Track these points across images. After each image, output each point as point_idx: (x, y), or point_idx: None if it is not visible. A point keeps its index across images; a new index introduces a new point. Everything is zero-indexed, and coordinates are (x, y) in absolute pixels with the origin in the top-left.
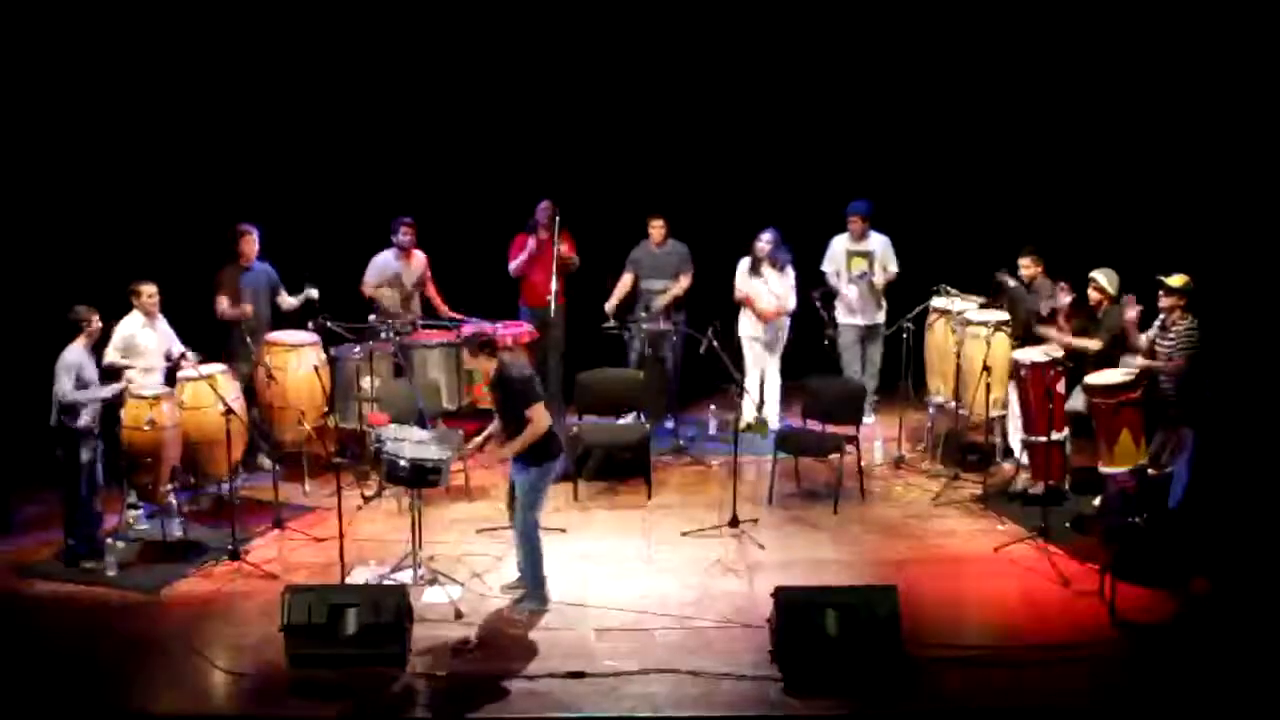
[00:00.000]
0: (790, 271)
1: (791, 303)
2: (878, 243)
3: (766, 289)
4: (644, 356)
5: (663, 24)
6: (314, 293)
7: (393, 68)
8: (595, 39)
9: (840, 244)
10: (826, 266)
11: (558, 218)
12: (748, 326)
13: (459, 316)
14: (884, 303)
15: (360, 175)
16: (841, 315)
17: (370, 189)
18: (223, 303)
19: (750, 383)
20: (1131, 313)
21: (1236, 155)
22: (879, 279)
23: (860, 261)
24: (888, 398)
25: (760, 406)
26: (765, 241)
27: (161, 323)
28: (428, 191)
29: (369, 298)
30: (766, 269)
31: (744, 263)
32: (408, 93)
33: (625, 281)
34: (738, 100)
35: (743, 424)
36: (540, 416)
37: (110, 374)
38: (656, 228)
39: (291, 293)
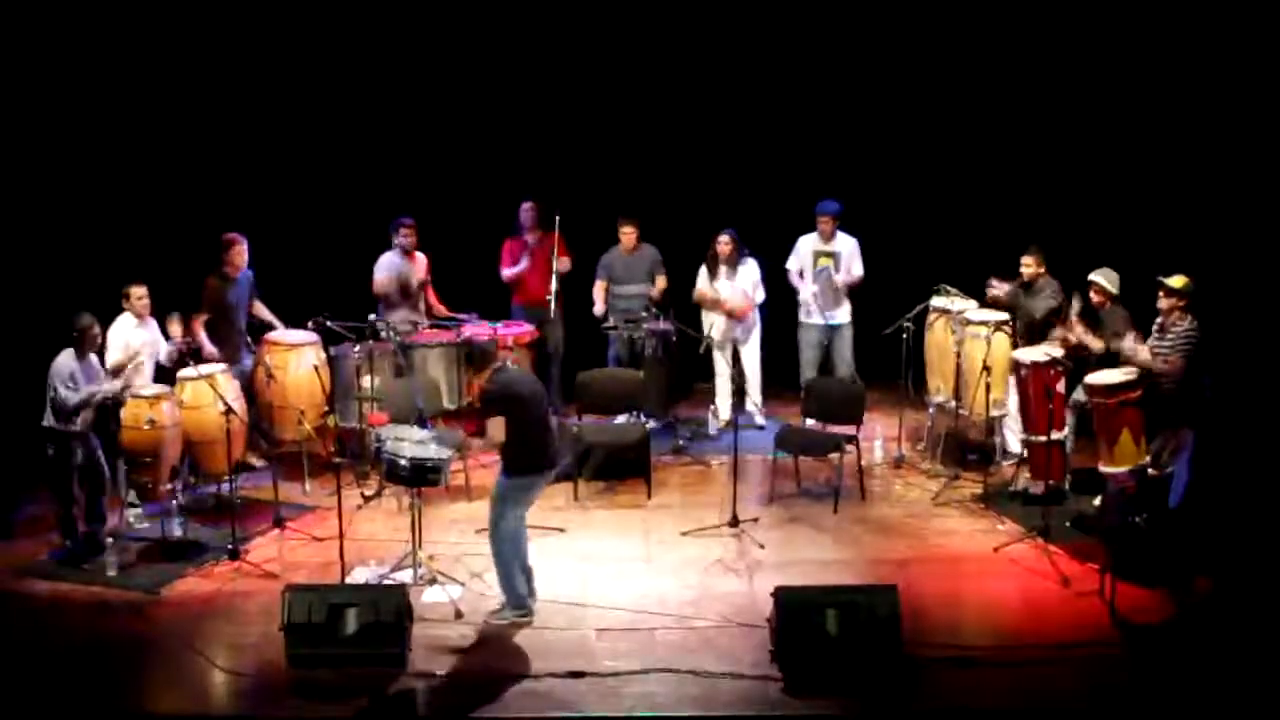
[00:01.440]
0: (752, 264)
1: (759, 295)
2: (846, 244)
3: (731, 287)
4: (642, 357)
5: (661, 25)
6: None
7: (386, 71)
8: (584, 41)
9: (808, 244)
10: (790, 264)
11: (557, 220)
12: (716, 328)
13: (459, 316)
14: (845, 302)
15: (357, 177)
16: (802, 315)
17: (367, 191)
18: (200, 326)
19: (721, 386)
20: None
21: (1237, 155)
22: (840, 278)
23: (826, 261)
24: (888, 397)
25: (734, 407)
26: (724, 244)
27: (152, 324)
28: (423, 192)
29: (380, 295)
30: (724, 269)
31: (703, 269)
32: (403, 95)
33: (600, 287)
34: (736, 101)
35: (724, 422)
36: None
37: (115, 374)
38: (627, 234)
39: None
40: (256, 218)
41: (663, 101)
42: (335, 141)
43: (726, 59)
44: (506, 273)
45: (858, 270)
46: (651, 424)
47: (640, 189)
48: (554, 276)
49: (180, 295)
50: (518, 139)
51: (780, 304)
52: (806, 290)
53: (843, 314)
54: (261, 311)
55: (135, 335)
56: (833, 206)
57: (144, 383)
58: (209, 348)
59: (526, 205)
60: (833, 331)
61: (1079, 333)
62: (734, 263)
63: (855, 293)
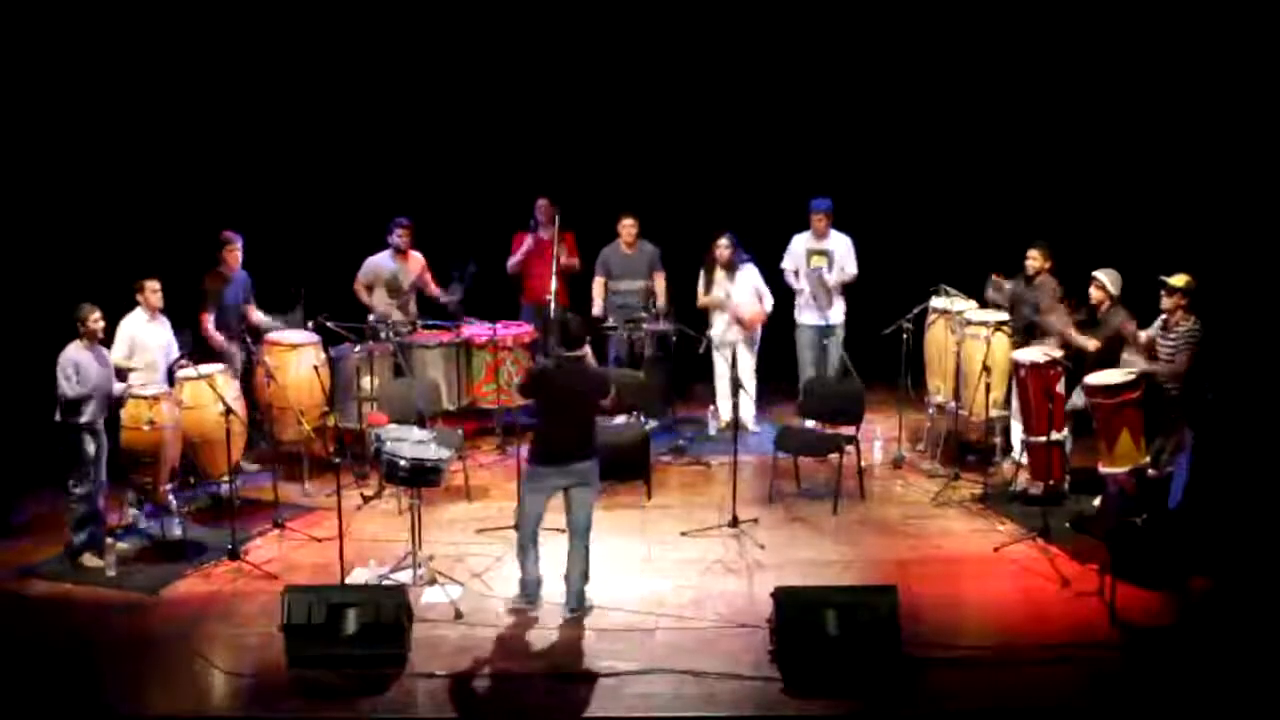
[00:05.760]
0: (750, 269)
1: (769, 301)
2: (839, 242)
3: (731, 292)
4: (642, 357)
5: (659, 26)
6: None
7: (386, 69)
8: (583, 40)
9: (801, 242)
10: (786, 264)
11: (557, 219)
12: (719, 331)
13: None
14: (838, 302)
15: (356, 176)
16: (797, 316)
17: (366, 190)
18: (208, 322)
19: (721, 387)
20: (1130, 325)
21: (1237, 155)
22: (833, 278)
23: (820, 259)
24: (888, 398)
25: (736, 409)
26: (724, 247)
27: (164, 320)
28: (424, 192)
29: (361, 300)
30: (721, 274)
31: (702, 276)
32: (402, 94)
33: (599, 284)
34: (737, 100)
35: (725, 423)
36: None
37: (119, 374)
38: (627, 227)
39: (268, 311)
40: (256, 218)
41: (660, 100)
42: (336, 142)
43: (724, 56)
44: (510, 263)
45: (851, 269)
46: (651, 424)
47: (638, 188)
48: (553, 275)
49: (179, 293)
50: (519, 138)
51: (776, 305)
52: (802, 289)
53: (836, 314)
54: (255, 316)
55: (146, 332)
56: (825, 203)
57: (158, 380)
58: (218, 339)
59: (541, 201)
60: (827, 332)
61: (1068, 332)
62: (732, 267)
63: (852, 292)
